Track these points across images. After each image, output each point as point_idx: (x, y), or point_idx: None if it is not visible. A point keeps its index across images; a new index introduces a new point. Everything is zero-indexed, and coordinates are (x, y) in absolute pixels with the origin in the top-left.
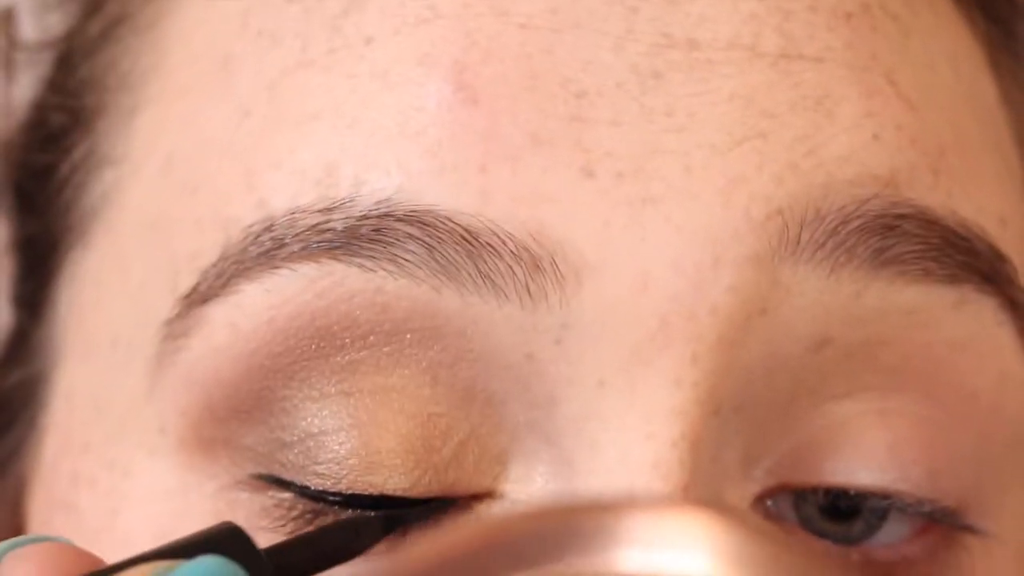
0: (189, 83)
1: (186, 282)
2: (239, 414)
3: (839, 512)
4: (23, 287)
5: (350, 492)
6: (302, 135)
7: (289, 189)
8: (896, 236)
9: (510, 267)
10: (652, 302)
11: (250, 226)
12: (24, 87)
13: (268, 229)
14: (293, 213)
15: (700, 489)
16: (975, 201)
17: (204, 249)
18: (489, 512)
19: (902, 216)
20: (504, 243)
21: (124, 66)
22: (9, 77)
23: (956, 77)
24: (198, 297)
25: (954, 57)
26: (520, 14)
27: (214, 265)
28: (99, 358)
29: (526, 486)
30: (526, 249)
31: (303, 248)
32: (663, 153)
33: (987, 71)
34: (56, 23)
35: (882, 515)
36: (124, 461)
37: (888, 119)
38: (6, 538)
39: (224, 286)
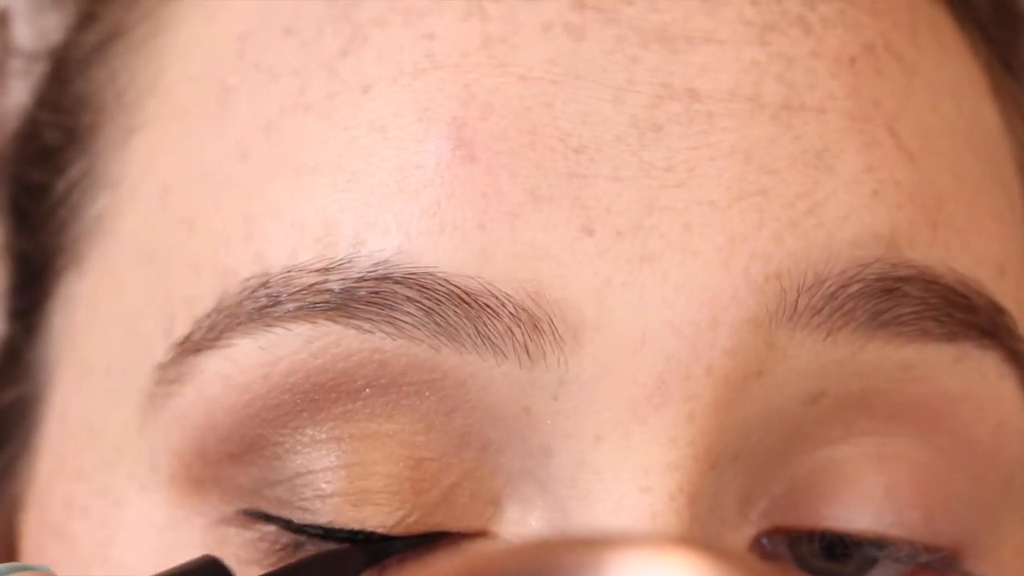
0: (185, 108)
1: (180, 327)
2: (230, 457)
3: (834, 551)
4: (17, 301)
5: (334, 526)
6: (301, 187)
7: (287, 244)
8: (895, 298)
9: (509, 328)
10: (649, 361)
11: (247, 280)
12: (15, 92)
13: (264, 285)
14: (290, 271)
15: (698, 539)
16: (973, 252)
17: (199, 295)
18: (481, 551)
19: (902, 279)
20: (503, 304)
21: (120, 84)
22: (1, 83)
23: (958, 112)
24: (191, 346)
25: (957, 90)
26: (519, 65)
27: (208, 316)
28: (93, 384)
29: (520, 528)
30: (525, 310)
31: (299, 308)
32: (662, 209)
33: (989, 98)
34: (51, 26)
35: (875, 556)
36: (116, 492)
37: (887, 174)
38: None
39: (217, 338)
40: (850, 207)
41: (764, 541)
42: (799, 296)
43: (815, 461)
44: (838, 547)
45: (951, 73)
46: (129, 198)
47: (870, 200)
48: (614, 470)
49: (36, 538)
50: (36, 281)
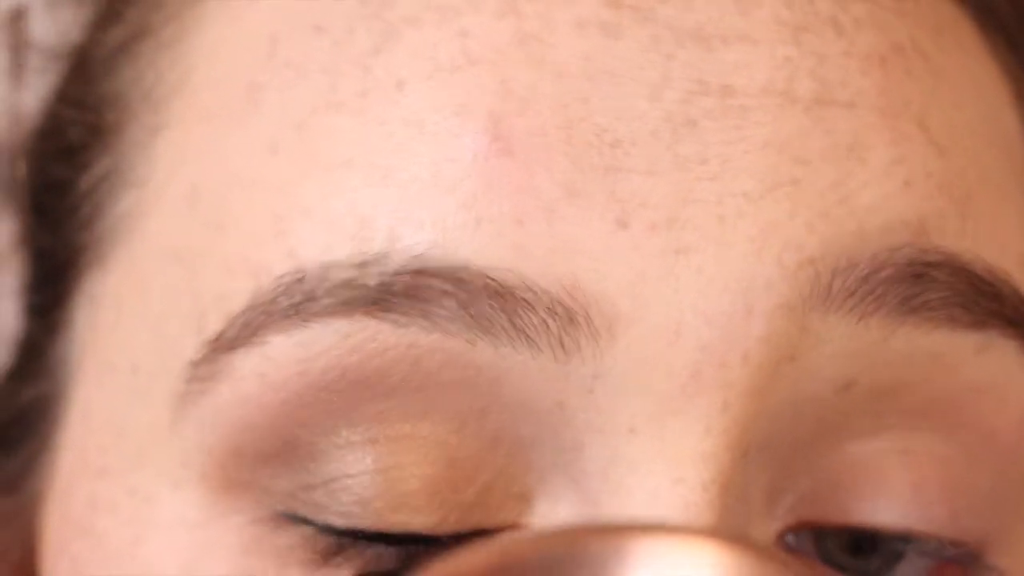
0: (213, 108)
1: (212, 325)
2: (265, 457)
3: (859, 546)
4: (36, 297)
5: (374, 530)
6: (334, 183)
7: (321, 240)
8: (924, 283)
9: (544, 321)
10: (684, 353)
11: (281, 276)
12: (33, 88)
13: (299, 281)
14: (325, 267)
15: (729, 530)
16: (999, 243)
17: (231, 293)
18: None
19: (931, 264)
20: (539, 298)
21: (146, 83)
22: (19, 79)
23: (982, 114)
24: (225, 344)
25: (980, 93)
26: (555, 61)
27: (242, 313)
28: (118, 383)
29: (551, 521)
30: (561, 304)
31: (335, 303)
32: (696, 202)
33: (1009, 103)
34: (69, 22)
35: (901, 551)
36: (145, 490)
37: (918, 165)
38: (20, 555)
39: (252, 335)
40: (881, 196)
41: (789, 537)
42: (833, 279)
43: (842, 455)
44: (864, 542)
45: (973, 76)
46: (155, 198)
47: (901, 190)
48: (647, 462)
49: (58, 535)
50: (57, 278)
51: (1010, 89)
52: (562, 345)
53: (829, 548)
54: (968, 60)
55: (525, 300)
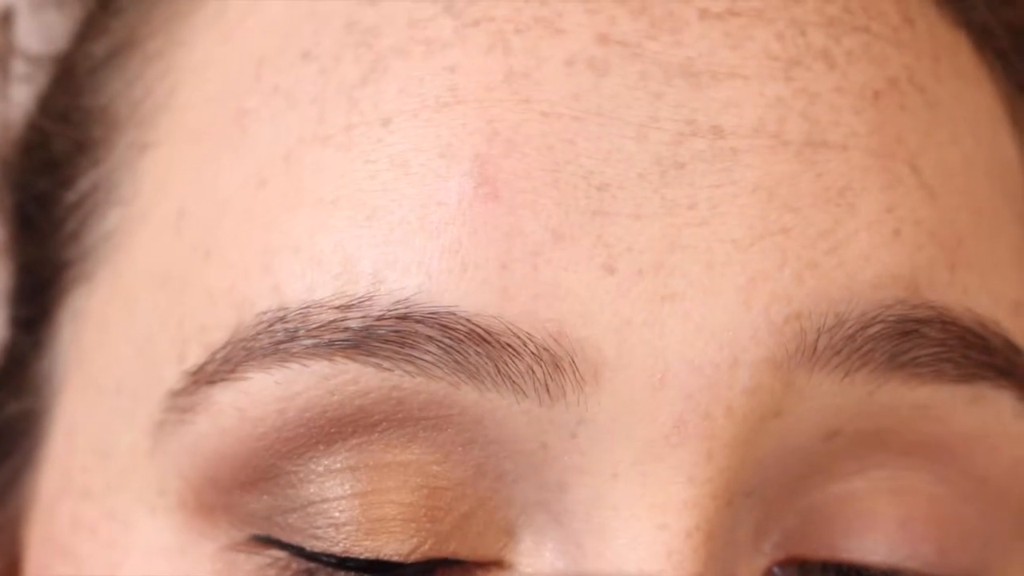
0: (201, 130)
1: (194, 356)
2: (242, 484)
3: None
4: (21, 309)
5: (346, 555)
6: (319, 220)
7: (305, 278)
8: (913, 340)
9: (530, 367)
10: (668, 400)
11: (263, 313)
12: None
13: (281, 320)
14: (308, 307)
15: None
16: (991, 290)
17: (213, 325)
18: None
19: (921, 320)
20: (524, 344)
21: (133, 97)
22: (5, 84)
23: (977, 144)
24: (204, 377)
25: (976, 121)
26: (542, 101)
27: (223, 347)
28: (101, 402)
29: (535, 560)
30: (546, 350)
31: (316, 344)
32: (684, 248)
33: (1007, 127)
34: (54, 26)
35: None
36: (123, 514)
37: (908, 213)
38: (5, 570)
39: (232, 371)
40: (871, 247)
41: (776, 571)
42: (819, 337)
43: (829, 494)
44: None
45: (971, 103)
46: (142, 218)
47: (891, 240)
48: (630, 506)
49: (41, 553)
50: (42, 291)
51: (1007, 112)
52: (547, 390)
53: None
54: (966, 87)
55: (510, 346)
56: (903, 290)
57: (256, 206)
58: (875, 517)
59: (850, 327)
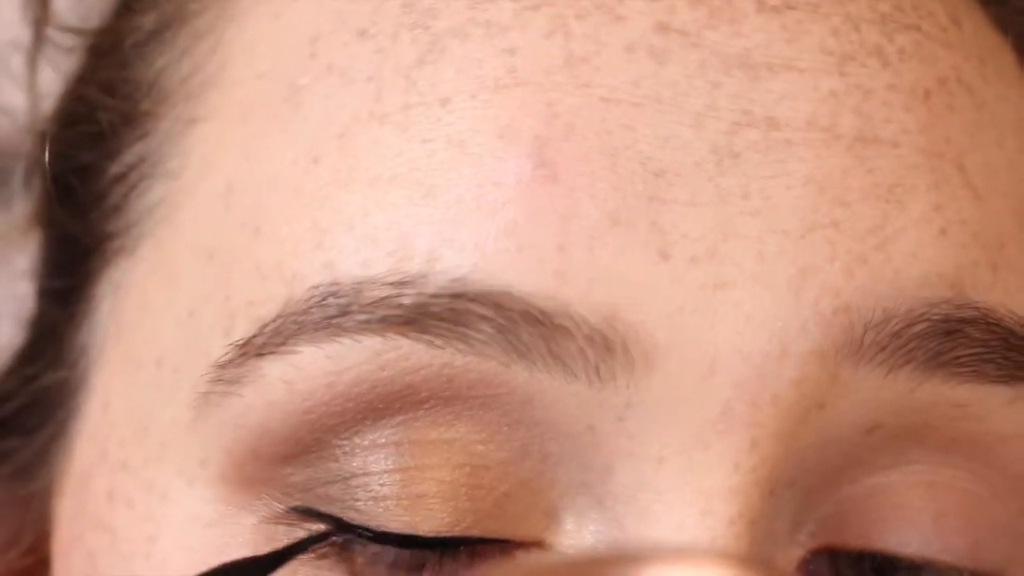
0: (251, 106)
1: (241, 329)
2: (285, 458)
3: (878, 574)
4: (55, 281)
5: (385, 529)
6: (375, 198)
7: (359, 255)
8: (956, 339)
9: (582, 349)
10: (717, 388)
11: (315, 287)
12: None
13: (334, 295)
14: (361, 282)
15: (759, 567)
16: None
17: (263, 299)
18: (535, 561)
19: (965, 320)
20: (578, 326)
21: (182, 72)
22: (38, 55)
23: (1020, 147)
24: (253, 349)
25: (1019, 124)
26: (602, 86)
27: (273, 320)
28: (141, 376)
29: (576, 541)
30: (600, 332)
31: (369, 320)
32: (737, 237)
33: None
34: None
35: None
36: (162, 486)
37: (954, 213)
38: (34, 541)
39: (282, 344)
40: (918, 244)
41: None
42: (865, 332)
43: (866, 486)
44: (883, 571)
45: (1014, 107)
46: (189, 193)
47: (937, 239)
48: (675, 491)
49: (73, 525)
50: (78, 263)
51: None
52: (598, 373)
53: (844, 572)
54: (1009, 90)
55: (564, 328)
56: (948, 289)
57: (308, 183)
58: (909, 510)
59: (896, 324)
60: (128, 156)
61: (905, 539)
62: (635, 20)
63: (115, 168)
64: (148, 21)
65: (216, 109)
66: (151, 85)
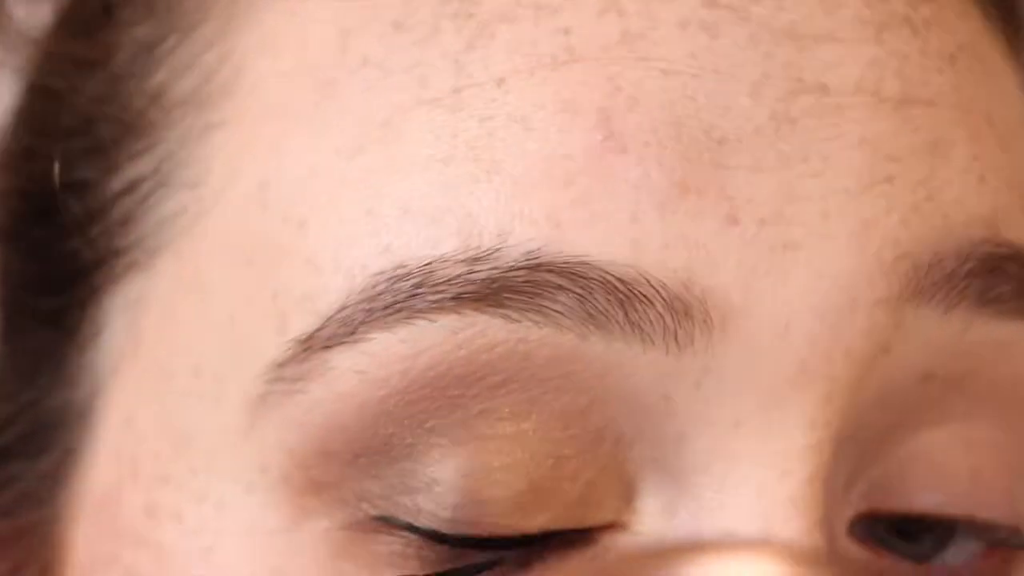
0: (278, 104)
1: (299, 324)
2: (357, 458)
3: (908, 528)
4: (41, 302)
5: (485, 535)
6: (431, 179)
7: (422, 236)
8: (997, 276)
9: (660, 315)
10: (793, 345)
11: (379, 273)
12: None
13: (403, 278)
14: (431, 263)
15: (830, 523)
16: None
17: (319, 291)
18: (615, 544)
19: (1004, 257)
20: (657, 292)
21: (192, 82)
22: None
23: (1020, 111)
24: (319, 342)
25: (1014, 89)
26: (660, 59)
27: (339, 311)
28: (174, 387)
29: (651, 519)
30: (678, 298)
31: (445, 299)
32: (801, 199)
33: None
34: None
35: (951, 534)
36: (216, 496)
37: (989, 161)
38: (37, 569)
39: (351, 333)
40: (963, 192)
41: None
42: (925, 275)
43: (909, 448)
44: (913, 525)
45: (1007, 72)
46: (215, 199)
47: (977, 186)
48: (752, 455)
49: (103, 546)
50: (74, 282)
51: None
52: (676, 339)
53: (879, 532)
54: (1005, 61)
55: (643, 295)
56: (987, 229)
57: (353, 172)
58: (948, 468)
59: (949, 263)
60: (133, 169)
61: (944, 499)
62: None
63: (118, 182)
64: (143, 32)
65: (237, 112)
66: (155, 96)
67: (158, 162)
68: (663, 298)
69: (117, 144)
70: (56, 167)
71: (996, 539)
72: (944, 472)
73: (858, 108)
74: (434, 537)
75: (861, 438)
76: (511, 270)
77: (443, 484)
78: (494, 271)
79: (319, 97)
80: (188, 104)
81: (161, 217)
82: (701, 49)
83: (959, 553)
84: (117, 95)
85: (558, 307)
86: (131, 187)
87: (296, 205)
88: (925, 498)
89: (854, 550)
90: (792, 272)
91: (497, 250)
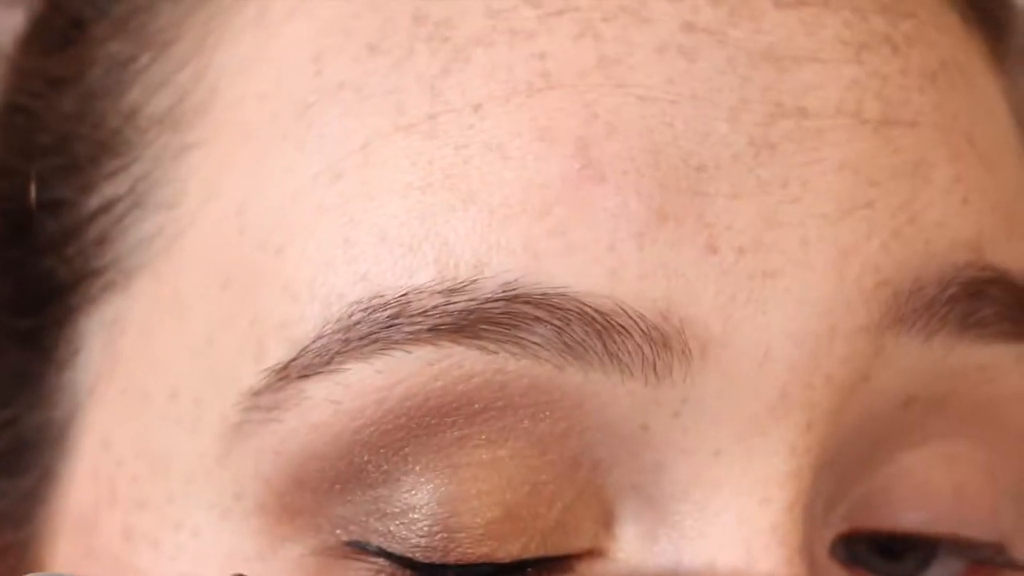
0: (255, 127)
1: (276, 353)
2: (332, 485)
3: (889, 548)
4: (15, 321)
5: (458, 563)
6: (408, 207)
7: (399, 265)
8: (980, 300)
9: (639, 346)
10: (772, 374)
11: (357, 302)
12: None
13: (380, 308)
14: (407, 293)
15: (811, 549)
16: None
17: (295, 319)
18: (592, 572)
19: (987, 281)
20: (635, 323)
21: (167, 101)
22: None
23: (1003, 124)
24: (295, 371)
25: (997, 101)
26: (638, 85)
27: (315, 340)
28: (149, 410)
29: (630, 545)
30: (656, 328)
31: (421, 330)
32: (780, 225)
33: (1004, 104)
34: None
35: (933, 552)
36: (192, 522)
37: (972, 182)
38: None
39: (327, 363)
40: (944, 214)
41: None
42: (905, 301)
43: (892, 467)
44: (895, 544)
45: (991, 84)
46: (191, 220)
47: (960, 207)
48: (732, 483)
49: (81, 569)
50: (48, 302)
51: (1000, 88)
52: (654, 370)
53: (859, 552)
54: (987, 69)
55: (621, 326)
56: (971, 253)
57: (331, 198)
58: (931, 486)
59: (931, 290)
60: (108, 188)
61: (928, 517)
62: (661, 21)
63: (93, 201)
64: (116, 49)
65: (212, 134)
66: (129, 115)
67: (133, 181)
68: (641, 329)
69: (92, 163)
70: (32, 187)
71: (980, 557)
72: (927, 490)
73: (838, 131)
74: (407, 564)
75: (842, 462)
76: (488, 301)
77: (418, 510)
78: (471, 303)
79: (295, 121)
80: (163, 123)
81: (137, 238)
82: (679, 74)
83: (942, 572)
84: (91, 113)
85: (536, 338)
86: (107, 206)
87: (273, 231)
88: (909, 516)
89: (836, 572)
90: (771, 300)
91: (474, 281)
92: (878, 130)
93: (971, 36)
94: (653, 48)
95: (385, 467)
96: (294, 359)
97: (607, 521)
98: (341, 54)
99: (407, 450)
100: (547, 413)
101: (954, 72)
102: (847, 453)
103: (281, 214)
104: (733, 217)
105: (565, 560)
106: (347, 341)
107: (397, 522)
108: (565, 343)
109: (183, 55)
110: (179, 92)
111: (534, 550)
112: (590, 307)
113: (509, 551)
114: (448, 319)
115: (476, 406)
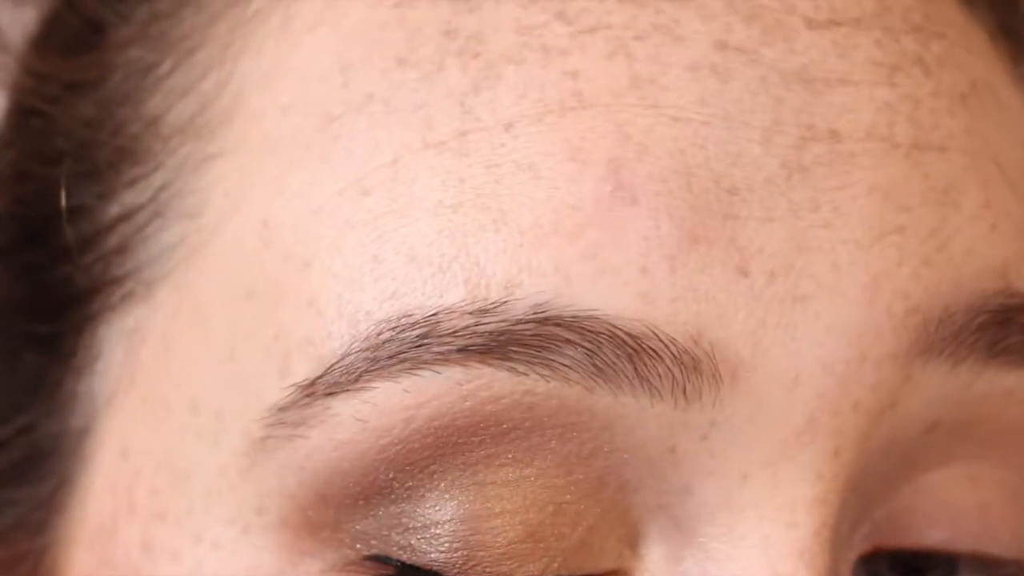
0: (279, 139)
1: (301, 369)
2: (355, 500)
3: (908, 567)
4: (34, 327)
5: None
6: (439, 226)
7: (430, 284)
8: (1008, 328)
9: (669, 370)
10: (801, 399)
11: (386, 321)
12: None
13: (409, 327)
14: (437, 312)
15: (835, 573)
16: None
17: (321, 336)
18: None
19: (1016, 308)
20: (666, 347)
21: (189, 109)
22: None
23: None
24: (322, 389)
25: (1022, 122)
26: (671, 106)
27: (342, 358)
28: (171, 422)
29: (656, 566)
30: (687, 352)
31: (451, 350)
32: (811, 250)
33: None
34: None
35: (954, 570)
36: (212, 536)
37: (1001, 208)
38: None
39: (354, 381)
40: (974, 241)
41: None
42: (935, 329)
43: (915, 486)
44: (916, 562)
45: (1018, 100)
46: (214, 231)
47: (989, 234)
48: (759, 507)
49: None
50: (68, 309)
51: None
52: (684, 393)
53: (880, 571)
54: (1015, 90)
55: (652, 349)
56: (999, 280)
57: (359, 214)
58: (956, 505)
59: (960, 317)
60: (129, 196)
61: (951, 534)
62: (694, 40)
63: (113, 209)
64: (137, 55)
65: (236, 144)
66: (151, 122)
67: (155, 190)
68: (672, 353)
69: (112, 169)
70: (63, 192)
71: (1002, 575)
72: (951, 508)
73: (869, 155)
74: None
75: (867, 486)
76: (518, 323)
77: (440, 526)
78: (501, 324)
79: (321, 133)
80: (186, 132)
81: (159, 247)
82: (711, 94)
83: None
84: (111, 119)
85: (566, 361)
86: (127, 215)
87: (299, 245)
88: (932, 534)
89: None
90: (801, 325)
91: (504, 302)
92: (909, 154)
93: (998, 53)
94: (685, 67)
95: (410, 483)
96: (320, 376)
97: (632, 541)
98: (369, 66)
99: (433, 467)
100: (575, 434)
101: (983, 93)
102: (872, 476)
103: (307, 229)
104: (764, 240)
105: None
106: (375, 360)
107: (419, 536)
108: (595, 366)
109: (206, 63)
110: (202, 101)
111: (556, 570)
112: (621, 330)
113: (530, 571)
114: (478, 340)
115: (504, 426)
